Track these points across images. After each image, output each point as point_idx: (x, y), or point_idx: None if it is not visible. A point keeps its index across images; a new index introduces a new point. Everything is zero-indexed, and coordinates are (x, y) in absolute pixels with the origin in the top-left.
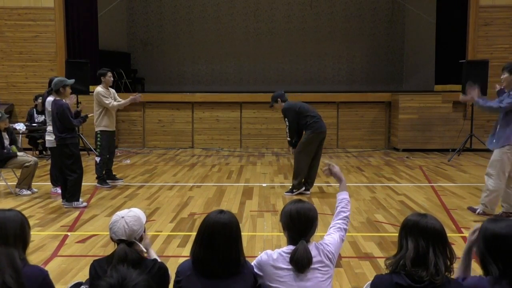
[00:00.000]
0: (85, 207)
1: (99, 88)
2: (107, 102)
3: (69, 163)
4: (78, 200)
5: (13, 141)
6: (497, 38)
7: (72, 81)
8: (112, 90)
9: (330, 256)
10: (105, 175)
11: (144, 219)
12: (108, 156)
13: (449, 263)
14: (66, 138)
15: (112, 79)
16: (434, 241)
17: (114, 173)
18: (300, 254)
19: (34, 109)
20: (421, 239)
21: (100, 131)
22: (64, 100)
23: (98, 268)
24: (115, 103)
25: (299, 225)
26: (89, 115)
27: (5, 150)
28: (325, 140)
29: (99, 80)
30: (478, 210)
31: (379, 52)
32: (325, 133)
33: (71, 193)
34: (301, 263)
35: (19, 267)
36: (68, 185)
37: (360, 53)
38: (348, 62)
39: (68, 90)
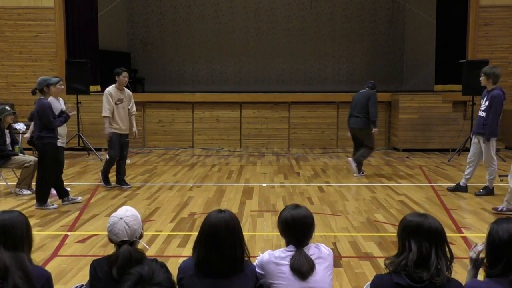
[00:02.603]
0: (56, 208)
1: (109, 89)
2: (106, 107)
3: (43, 162)
4: (45, 203)
5: (14, 142)
6: (497, 38)
7: (56, 79)
8: (128, 92)
9: (328, 252)
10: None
11: (139, 216)
12: (119, 157)
13: (448, 263)
14: (44, 137)
15: (126, 79)
16: (437, 242)
17: (125, 180)
18: (301, 262)
19: None
20: (425, 241)
21: (111, 132)
22: (47, 100)
23: (98, 268)
24: (108, 115)
25: (296, 233)
26: (70, 114)
27: (9, 148)
28: (357, 135)
29: (114, 80)
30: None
31: (379, 52)
32: (352, 129)
33: (37, 194)
34: (303, 270)
35: (29, 271)
36: (36, 185)
37: (360, 53)
38: (348, 62)
39: (53, 89)
